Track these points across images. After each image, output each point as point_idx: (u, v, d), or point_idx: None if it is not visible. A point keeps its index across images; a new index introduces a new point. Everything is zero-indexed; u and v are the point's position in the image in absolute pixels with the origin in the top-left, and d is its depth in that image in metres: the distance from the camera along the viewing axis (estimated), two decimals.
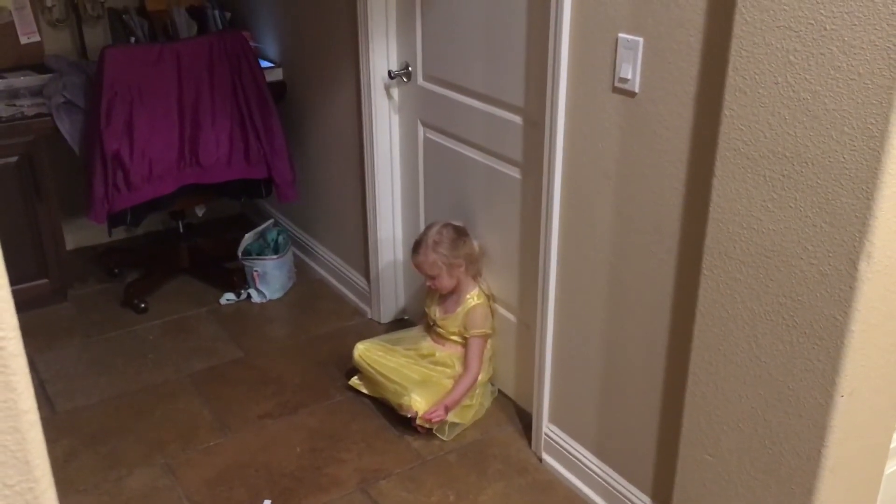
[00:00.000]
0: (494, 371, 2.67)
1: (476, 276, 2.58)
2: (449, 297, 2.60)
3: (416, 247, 2.55)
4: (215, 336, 3.05)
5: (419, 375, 2.54)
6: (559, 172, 2.09)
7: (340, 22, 2.88)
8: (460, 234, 2.53)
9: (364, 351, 2.61)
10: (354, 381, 2.70)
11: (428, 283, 2.58)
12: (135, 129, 2.84)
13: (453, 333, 2.59)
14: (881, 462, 1.71)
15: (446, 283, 2.53)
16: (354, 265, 3.23)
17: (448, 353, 2.60)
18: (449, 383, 2.52)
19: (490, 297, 2.59)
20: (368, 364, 2.58)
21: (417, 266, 2.56)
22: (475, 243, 2.56)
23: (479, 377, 2.55)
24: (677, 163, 1.77)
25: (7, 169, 2.93)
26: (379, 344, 2.65)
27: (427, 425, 2.46)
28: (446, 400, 2.46)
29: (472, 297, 2.54)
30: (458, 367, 2.56)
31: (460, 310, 2.55)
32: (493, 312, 2.60)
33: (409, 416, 2.46)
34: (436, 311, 2.63)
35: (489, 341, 2.60)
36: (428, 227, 2.59)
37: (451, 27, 2.47)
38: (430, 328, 2.68)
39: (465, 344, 2.57)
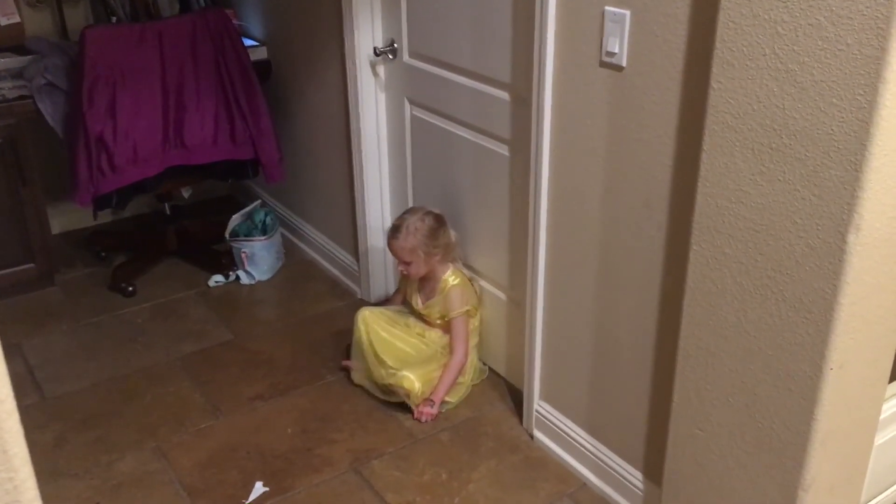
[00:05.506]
0: (486, 349, 2.66)
1: (453, 261, 2.57)
2: (426, 284, 2.58)
3: (395, 231, 2.51)
4: (204, 318, 3.04)
5: (413, 350, 2.53)
6: (547, 148, 2.07)
7: None
8: (440, 223, 2.51)
9: (369, 315, 2.55)
10: (347, 363, 2.68)
11: (400, 269, 2.55)
12: (118, 110, 2.80)
13: (437, 318, 2.58)
14: (871, 434, 1.71)
15: (421, 269, 2.51)
16: (343, 244, 3.22)
17: (438, 332, 2.59)
18: (443, 357, 2.52)
19: (467, 277, 2.58)
20: (367, 332, 2.52)
21: (394, 251, 2.52)
22: (452, 233, 2.54)
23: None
24: (665, 137, 1.76)
25: None
26: (383, 313, 2.59)
27: (424, 418, 2.46)
28: (435, 393, 2.46)
29: (448, 279, 2.53)
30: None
31: (439, 295, 2.54)
32: (474, 287, 2.59)
33: (405, 399, 2.47)
34: (417, 301, 2.61)
35: (478, 313, 2.60)
36: (407, 213, 2.56)
37: (437, 2, 2.44)
38: (415, 314, 2.67)
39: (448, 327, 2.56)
